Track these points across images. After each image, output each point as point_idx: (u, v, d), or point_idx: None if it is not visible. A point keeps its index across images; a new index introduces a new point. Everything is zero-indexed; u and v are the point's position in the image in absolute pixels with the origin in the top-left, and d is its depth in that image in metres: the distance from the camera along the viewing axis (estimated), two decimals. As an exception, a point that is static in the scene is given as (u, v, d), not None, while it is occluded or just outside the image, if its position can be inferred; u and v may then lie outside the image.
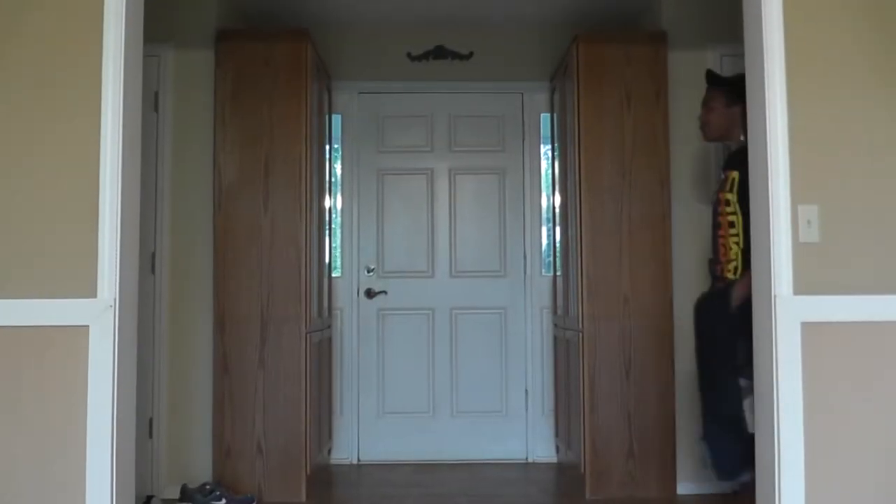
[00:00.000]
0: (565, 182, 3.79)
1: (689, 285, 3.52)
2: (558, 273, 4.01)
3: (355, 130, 4.29)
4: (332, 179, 4.19)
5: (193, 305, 3.48)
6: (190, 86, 3.53)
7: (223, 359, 3.36)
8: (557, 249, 4.04)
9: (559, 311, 3.98)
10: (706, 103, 2.84)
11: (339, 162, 4.31)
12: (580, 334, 3.41)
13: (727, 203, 2.70)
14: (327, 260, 3.99)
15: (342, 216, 4.27)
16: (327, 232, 3.99)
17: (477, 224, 4.26)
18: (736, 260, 2.70)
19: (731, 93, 2.80)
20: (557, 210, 4.02)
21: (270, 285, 3.37)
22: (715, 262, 2.77)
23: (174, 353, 3.47)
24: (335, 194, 4.27)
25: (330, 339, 4.07)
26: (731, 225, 2.70)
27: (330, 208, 4.09)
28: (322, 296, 3.81)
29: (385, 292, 4.21)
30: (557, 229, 4.02)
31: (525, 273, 4.22)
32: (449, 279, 4.23)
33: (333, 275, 4.18)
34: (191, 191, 3.52)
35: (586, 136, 3.46)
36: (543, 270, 4.27)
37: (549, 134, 4.23)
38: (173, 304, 3.48)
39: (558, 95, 3.97)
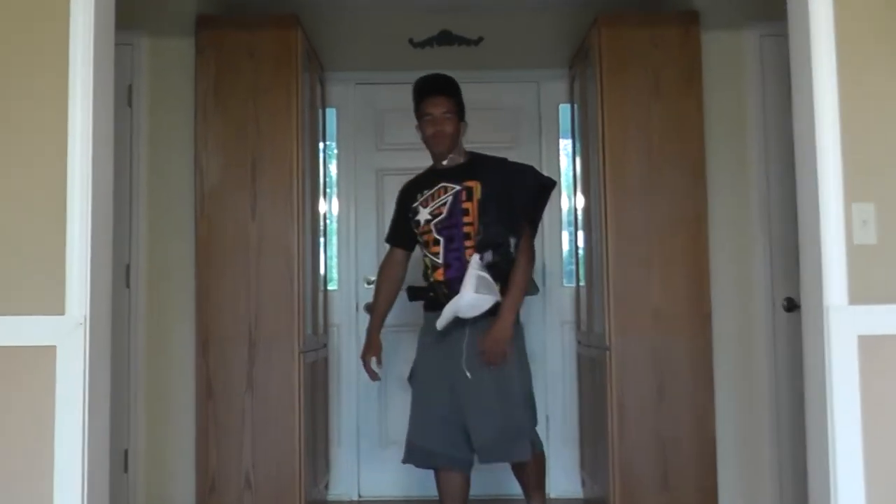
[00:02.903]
0: (588, 181, 3.78)
1: (729, 294, 3.53)
2: (581, 283, 3.99)
3: (352, 126, 4.28)
4: (327, 181, 4.19)
5: (173, 322, 3.49)
6: (167, 78, 3.54)
7: (207, 382, 3.35)
8: (580, 257, 4.02)
9: (583, 327, 3.96)
10: (443, 111, 3.00)
11: (334, 161, 4.31)
12: (607, 352, 3.39)
13: (465, 213, 2.90)
14: (322, 271, 3.99)
15: (338, 222, 4.26)
16: (322, 239, 3.99)
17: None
18: None
19: (459, 105, 3.05)
20: (579, 213, 4.01)
21: (259, 300, 3.37)
22: (453, 282, 2.88)
23: (152, 375, 3.47)
24: (330, 197, 4.27)
25: (326, 360, 4.06)
26: (467, 237, 2.90)
27: (325, 213, 4.09)
28: (317, 311, 3.81)
29: (386, 307, 4.20)
30: (580, 234, 4.00)
31: (544, 284, 4.19)
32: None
33: (329, 287, 4.17)
34: (169, 195, 3.53)
35: (610, 128, 3.45)
36: (564, 281, 4.24)
37: (569, 127, 4.21)
38: (151, 322, 3.49)
39: (578, 84, 3.96)
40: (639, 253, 3.39)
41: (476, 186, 2.95)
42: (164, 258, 3.50)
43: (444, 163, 3.06)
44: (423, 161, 4.23)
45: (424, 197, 3.04)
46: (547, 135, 4.28)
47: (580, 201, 4.01)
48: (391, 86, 4.26)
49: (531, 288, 3.02)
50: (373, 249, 4.22)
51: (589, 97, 3.69)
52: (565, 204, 4.29)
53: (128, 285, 3.47)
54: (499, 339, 2.85)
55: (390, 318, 4.15)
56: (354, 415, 4.17)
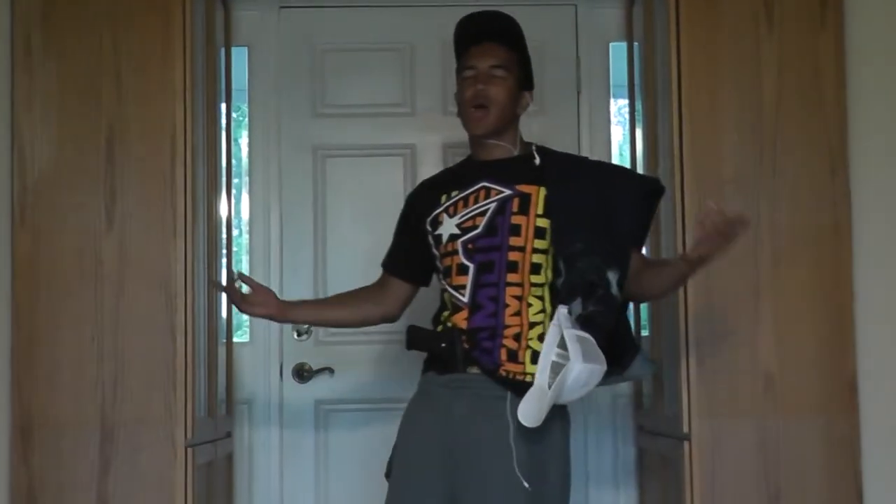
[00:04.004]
0: (654, 167, 3.75)
1: (888, 352, 3.47)
2: (644, 333, 3.99)
3: (274, 76, 4.28)
4: (233, 166, 4.17)
5: None
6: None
7: (28, 494, 3.29)
8: None
9: (646, 404, 3.95)
10: (492, 64, 3.07)
11: (244, 134, 4.35)
12: (686, 444, 3.35)
13: (515, 231, 2.99)
14: (224, 313, 3.95)
15: (251, 232, 4.26)
16: (224, 261, 3.96)
17: (496, 243, 4.22)
18: (542, 325, 2.93)
19: (526, 67, 3.14)
20: None
21: (118, 361, 3.32)
22: (479, 333, 2.98)
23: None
24: (238, 193, 4.31)
25: (230, 457, 4.05)
26: (534, 269, 2.98)
27: (229, 218, 4.08)
28: (214, 379, 3.76)
29: (331, 370, 4.19)
30: (643, 252, 3.85)
31: None
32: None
33: (235, 339, 4.21)
34: None
35: (692, 83, 3.43)
36: None
37: (624, 80, 4.21)
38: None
39: (640, 11, 3.94)
40: (738, 286, 3.37)
41: (537, 194, 3.01)
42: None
43: (489, 153, 3.10)
44: (391, 133, 4.30)
45: (453, 200, 3.09)
46: (590, 92, 4.31)
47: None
48: (337, 10, 4.25)
49: (639, 365, 3.11)
50: (307, 275, 4.25)
51: (658, 32, 3.67)
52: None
53: None
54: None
55: (359, 388, 4.18)
56: (277, 545, 4.19)
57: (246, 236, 4.22)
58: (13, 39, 3.38)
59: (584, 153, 4.22)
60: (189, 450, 3.29)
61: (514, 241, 2.97)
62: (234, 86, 4.14)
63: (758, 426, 3.33)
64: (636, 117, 4.06)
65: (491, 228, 2.98)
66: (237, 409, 4.12)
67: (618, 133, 4.27)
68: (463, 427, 2.92)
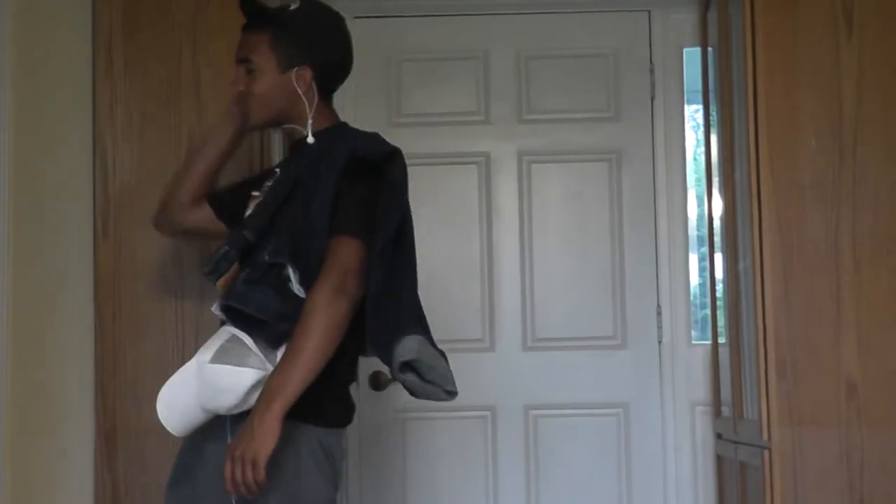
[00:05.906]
0: (731, 173, 3.75)
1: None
2: (721, 340, 3.97)
3: (350, 87, 4.18)
4: None
5: (58, 406, 3.38)
6: (47, 15, 3.43)
7: (113, 498, 3.36)
8: (720, 296, 3.98)
9: (725, 412, 3.93)
10: (242, 59, 2.88)
11: None
12: (765, 453, 3.32)
13: None
14: None
15: None
16: None
17: (571, 252, 4.28)
18: None
19: (286, 42, 2.82)
20: (718, 223, 3.99)
21: None
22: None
23: (21, 491, 3.31)
24: None
25: None
26: None
27: None
28: None
29: (407, 379, 4.18)
30: (718, 258, 3.98)
31: (660, 341, 4.24)
32: (521, 354, 4.26)
33: None
34: (50, 202, 3.40)
35: (769, 87, 3.38)
36: (694, 335, 4.26)
37: (699, 86, 4.21)
38: (19, 406, 3.31)
39: (716, 16, 3.94)
40: (819, 291, 3.29)
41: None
42: (40, 303, 3.37)
43: (289, 136, 2.99)
44: (465, 142, 4.35)
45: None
46: (664, 97, 4.33)
47: (718, 205, 3.97)
48: (412, 20, 4.31)
49: (420, 384, 2.79)
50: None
51: (734, 37, 3.66)
52: (693, 210, 4.32)
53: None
54: (248, 450, 2.47)
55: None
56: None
57: (322, 245, 4.28)
58: (95, 52, 3.44)
59: (659, 159, 4.30)
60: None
61: None
62: (309, 95, 4.21)
63: (841, 436, 3.28)
64: (711, 124, 4.06)
65: None
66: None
67: (691, 140, 4.24)
68: (200, 459, 2.77)
